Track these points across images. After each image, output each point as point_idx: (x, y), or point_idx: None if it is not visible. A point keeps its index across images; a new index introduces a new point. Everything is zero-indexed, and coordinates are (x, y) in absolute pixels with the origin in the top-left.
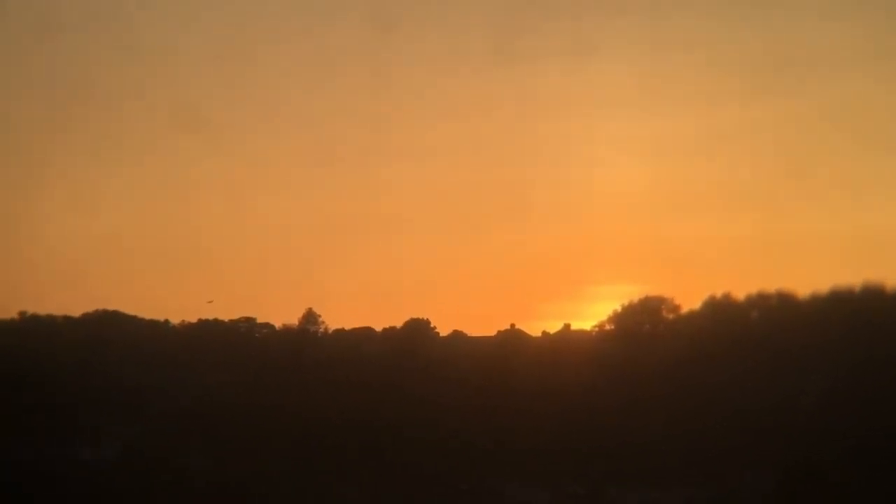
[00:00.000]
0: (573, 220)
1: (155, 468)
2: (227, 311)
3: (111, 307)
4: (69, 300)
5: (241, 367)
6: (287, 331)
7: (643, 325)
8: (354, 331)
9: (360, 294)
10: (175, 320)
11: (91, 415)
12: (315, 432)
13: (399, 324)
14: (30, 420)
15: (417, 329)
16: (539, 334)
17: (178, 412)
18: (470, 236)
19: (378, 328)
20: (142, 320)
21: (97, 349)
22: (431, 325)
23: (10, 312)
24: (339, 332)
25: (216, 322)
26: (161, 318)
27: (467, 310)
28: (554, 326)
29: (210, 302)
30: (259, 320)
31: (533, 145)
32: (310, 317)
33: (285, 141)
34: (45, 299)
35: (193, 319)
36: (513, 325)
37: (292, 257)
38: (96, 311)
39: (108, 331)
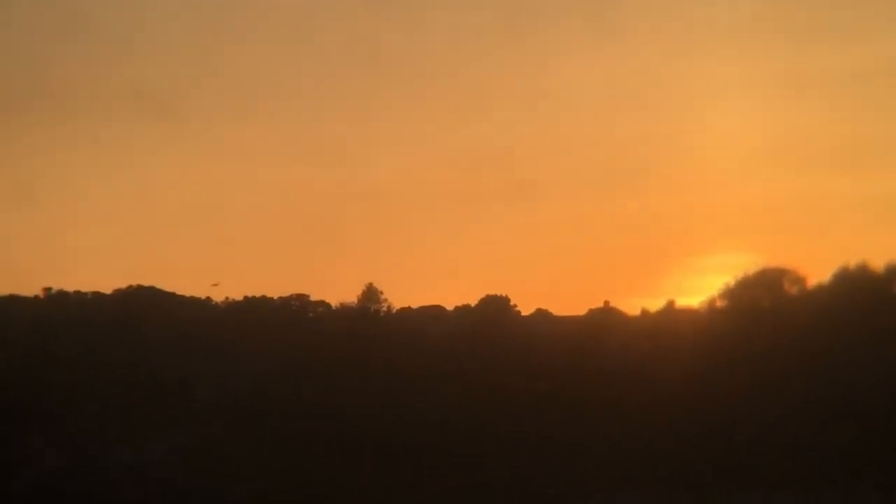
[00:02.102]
0: (677, 181)
1: (201, 471)
2: (276, 287)
3: (146, 282)
4: (99, 275)
5: (293, 351)
6: (345, 309)
7: (761, 301)
8: (422, 310)
9: (427, 268)
10: (218, 297)
11: (128, 409)
12: (378, 427)
13: (473, 301)
14: (57, 417)
15: (495, 307)
16: (637, 313)
17: (223, 406)
18: (554, 203)
19: (449, 306)
20: (181, 298)
21: (132, 330)
22: (511, 303)
23: (33, 289)
24: (405, 312)
25: (264, 300)
26: (202, 294)
27: (553, 285)
28: (655, 304)
29: (215, 285)
30: (313, 297)
31: (630, 91)
32: (370, 293)
33: (339, 102)
34: (71, 274)
35: (238, 296)
36: (606, 303)
37: (349, 227)
38: (130, 288)
39: (143, 309)
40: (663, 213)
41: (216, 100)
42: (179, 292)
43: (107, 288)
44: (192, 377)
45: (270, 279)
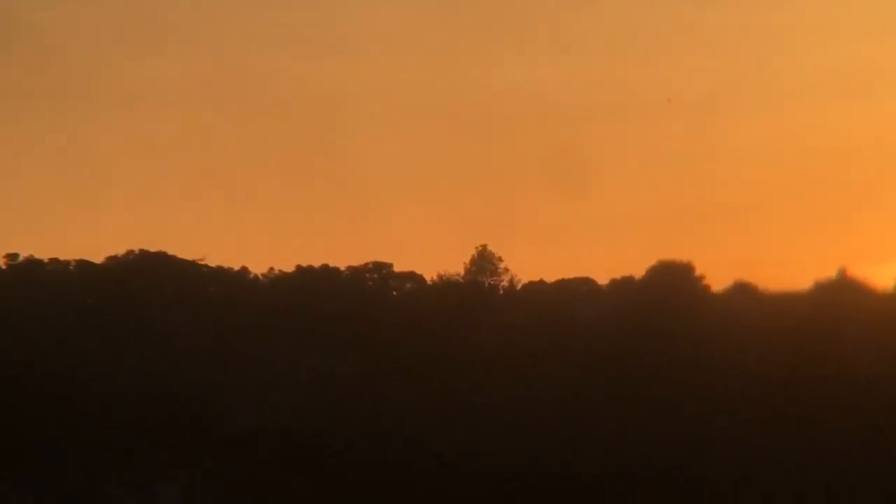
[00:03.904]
0: None
1: None
2: (344, 254)
3: (152, 247)
4: (83, 240)
5: (369, 348)
6: (447, 283)
7: None
8: (563, 284)
9: (562, 227)
10: (257, 269)
11: (132, 437)
12: (496, 456)
13: (638, 272)
14: (32, 447)
15: (671, 278)
16: (891, 287)
17: (266, 434)
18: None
19: (601, 280)
20: (205, 269)
21: (133, 317)
22: (696, 274)
23: None
24: (536, 287)
25: (327, 272)
26: (234, 264)
27: (756, 249)
28: None
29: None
30: (397, 268)
31: None
32: (483, 260)
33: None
34: (42, 239)
35: (288, 267)
36: (843, 272)
37: (446, 172)
38: (131, 255)
39: (151, 287)
40: None
41: None
42: (200, 260)
43: (96, 255)
44: (221, 390)
45: (330, 244)
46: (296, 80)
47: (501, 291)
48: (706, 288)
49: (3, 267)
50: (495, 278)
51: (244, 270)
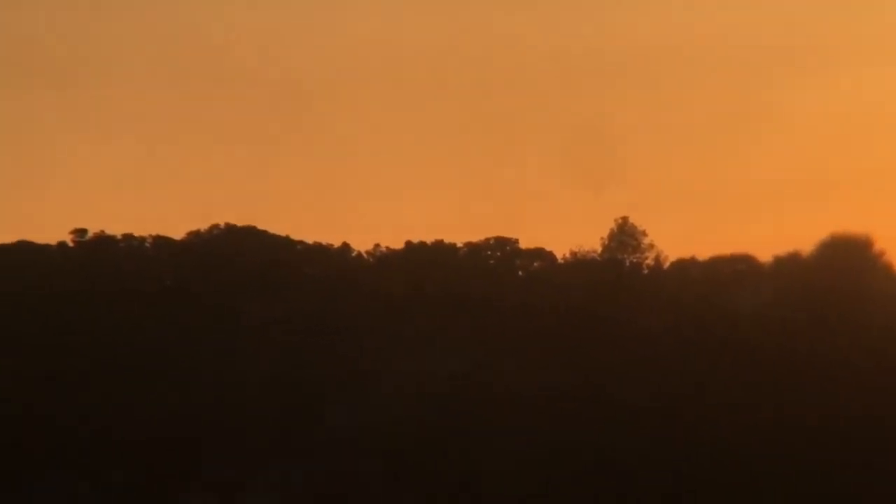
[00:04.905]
0: None
1: None
2: (461, 229)
3: (239, 221)
4: (160, 214)
5: (492, 336)
6: (582, 261)
7: None
8: (717, 262)
9: (715, 195)
10: (360, 245)
11: (220, 437)
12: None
13: (806, 246)
14: (95, 445)
15: (847, 256)
16: None
17: (369, 428)
18: None
19: (763, 256)
20: (301, 246)
21: (224, 300)
22: (876, 249)
23: (59, 233)
24: (684, 265)
25: (441, 247)
26: (333, 240)
27: None
28: None
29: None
30: (523, 244)
31: None
32: (624, 235)
33: None
34: (113, 214)
35: (396, 244)
36: None
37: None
38: (216, 229)
39: (241, 267)
40: None
41: None
42: (295, 236)
43: (175, 230)
44: (319, 385)
45: (445, 218)
46: (403, 48)
47: (646, 270)
48: (888, 266)
49: (71, 244)
50: (638, 255)
51: (345, 247)
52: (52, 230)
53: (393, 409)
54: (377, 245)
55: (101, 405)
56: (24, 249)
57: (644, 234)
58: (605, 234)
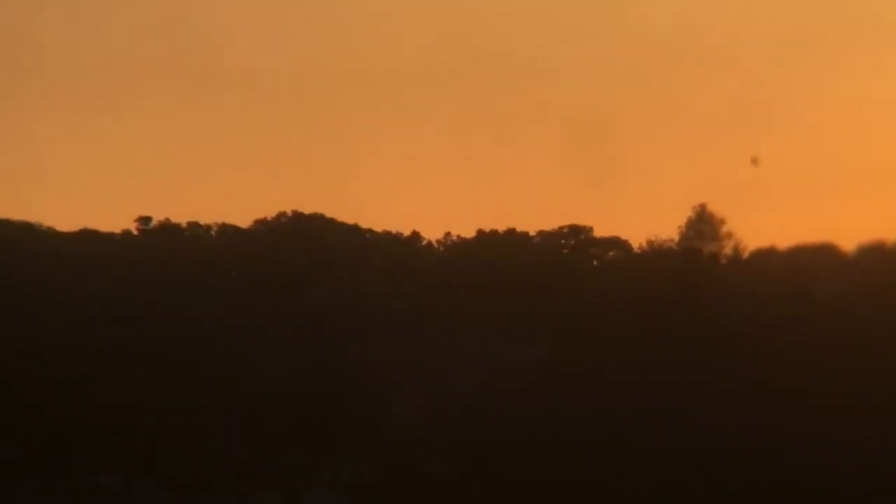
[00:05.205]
0: None
1: None
2: (533, 217)
3: (307, 209)
4: (225, 201)
5: (565, 326)
6: (659, 251)
7: None
8: (797, 251)
9: (794, 180)
10: (431, 233)
11: (286, 431)
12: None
13: (891, 233)
14: (154, 439)
15: None
16: None
17: (438, 422)
18: None
19: (845, 244)
20: (370, 234)
21: (290, 288)
22: None
23: (122, 222)
24: (765, 255)
25: (514, 236)
26: (403, 229)
27: None
28: None
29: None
30: (597, 232)
31: None
32: (703, 223)
33: None
34: (177, 201)
35: (467, 232)
36: None
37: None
38: (283, 217)
39: (310, 255)
40: None
41: None
42: (363, 224)
43: (242, 218)
44: (387, 377)
45: (516, 206)
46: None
47: (724, 261)
48: None
49: (135, 232)
50: (717, 244)
51: (416, 236)
52: (115, 218)
53: (461, 400)
54: (448, 233)
55: (165, 397)
56: (87, 238)
57: (722, 221)
58: (682, 221)
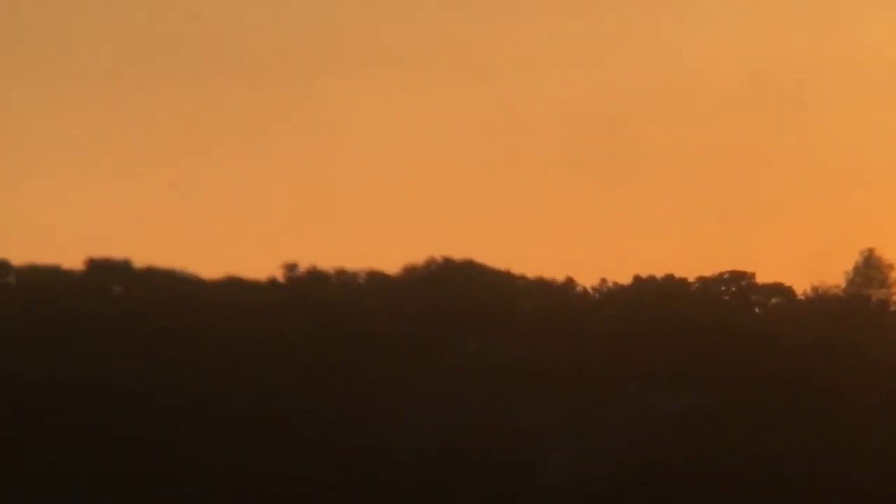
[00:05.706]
0: None
1: None
2: (692, 263)
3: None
4: (373, 248)
5: (726, 374)
6: (824, 298)
7: None
8: None
9: None
10: (586, 280)
11: (421, 487)
12: None
13: None
14: None
15: None
16: None
17: (590, 478)
18: None
19: None
20: (522, 281)
21: (438, 335)
22: None
23: (269, 268)
24: None
25: (673, 282)
26: (557, 275)
27: None
28: None
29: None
30: (759, 279)
31: None
32: (870, 268)
33: None
34: (322, 248)
35: (623, 278)
36: None
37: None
38: (431, 264)
39: (456, 303)
40: None
41: None
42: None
43: (389, 265)
44: (535, 431)
45: (670, 251)
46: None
47: (893, 307)
48: None
49: (282, 280)
50: (885, 290)
51: (570, 283)
52: (261, 265)
53: (615, 457)
54: (603, 280)
55: (311, 446)
56: (233, 286)
57: (891, 267)
58: (849, 267)
